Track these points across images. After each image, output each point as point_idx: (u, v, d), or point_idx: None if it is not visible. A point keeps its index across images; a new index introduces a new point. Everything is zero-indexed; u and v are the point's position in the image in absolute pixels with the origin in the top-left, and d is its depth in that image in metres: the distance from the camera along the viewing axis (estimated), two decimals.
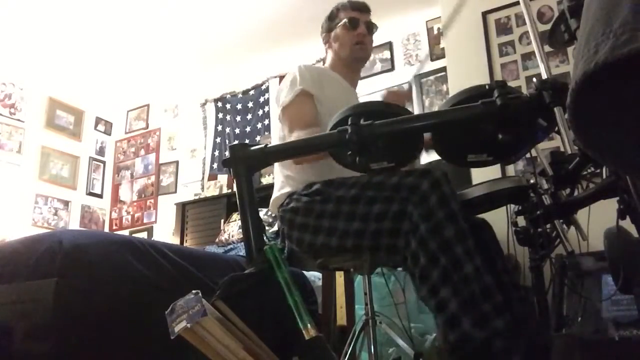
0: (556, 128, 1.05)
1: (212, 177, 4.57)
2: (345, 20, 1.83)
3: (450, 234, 1.15)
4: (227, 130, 4.60)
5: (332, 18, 1.89)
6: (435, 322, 1.17)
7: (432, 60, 3.77)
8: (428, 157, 2.04)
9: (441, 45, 3.65)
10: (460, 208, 1.21)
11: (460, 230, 1.16)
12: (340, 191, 1.40)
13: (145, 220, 4.81)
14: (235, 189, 1.25)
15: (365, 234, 1.31)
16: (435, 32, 3.78)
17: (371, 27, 1.87)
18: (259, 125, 4.42)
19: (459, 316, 1.09)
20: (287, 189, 1.62)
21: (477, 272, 1.11)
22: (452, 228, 1.16)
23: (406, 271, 1.26)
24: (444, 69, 3.49)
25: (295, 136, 1.59)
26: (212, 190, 4.50)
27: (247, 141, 3.91)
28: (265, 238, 1.22)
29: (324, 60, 2.06)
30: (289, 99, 1.66)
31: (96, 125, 5.07)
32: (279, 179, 1.69)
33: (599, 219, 1.32)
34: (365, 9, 1.88)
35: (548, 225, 1.39)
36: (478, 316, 1.08)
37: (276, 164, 1.73)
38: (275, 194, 1.67)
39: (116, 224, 4.95)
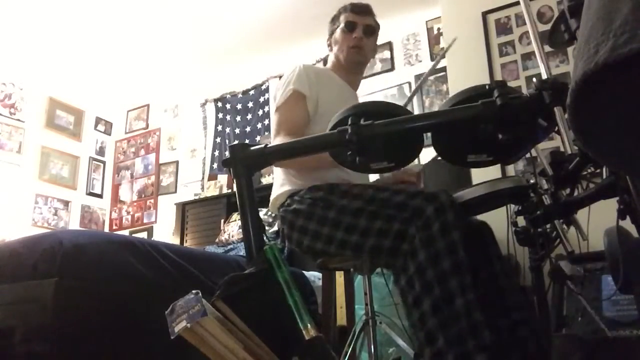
0: (556, 128, 1.05)
1: (212, 177, 4.57)
2: (343, 23, 1.81)
3: (447, 265, 1.15)
4: (227, 130, 4.60)
5: (334, 21, 1.88)
6: (420, 350, 1.17)
7: (432, 60, 3.77)
8: (428, 156, 2.04)
9: (441, 45, 3.66)
10: (462, 237, 1.19)
11: (458, 262, 1.16)
12: (344, 200, 1.40)
13: (145, 220, 4.82)
14: (235, 189, 1.25)
15: (364, 248, 1.32)
16: (435, 32, 3.78)
17: (371, 30, 1.82)
18: (259, 125, 4.42)
19: (445, 353, 1.09)
20: (288, 187, 1.61)
21: (468, 308, 1.11)
22: (450, 260, 1.15)
23: (398, 290, 1.25)
24: (444, 69, 3.49)
25: (278, 141, 1.60)
26: (212, 190, 4.49)
27: (247, 141, 3.91)
28: (265, 238, 1.22)
29: (324, 60, 2.06)
30: (281, 101, 1.68)
31: (96, 125, 5.07)
32: (280, 176, 1.68)
33: (599, 219, 1.32)
34: (365, 12, 1.83)
35: (548, 225, 1.39)
36: (462, 354, 1.07)
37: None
38: (276, 191, 1.66)
39: (116, 224, 4.95)
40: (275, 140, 1.64)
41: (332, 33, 1.87)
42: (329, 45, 1.90)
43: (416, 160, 1.84)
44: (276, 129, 1.67)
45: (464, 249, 1.18)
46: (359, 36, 1.79)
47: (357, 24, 1.80)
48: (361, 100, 1.88)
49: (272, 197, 1.68)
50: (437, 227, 1.19)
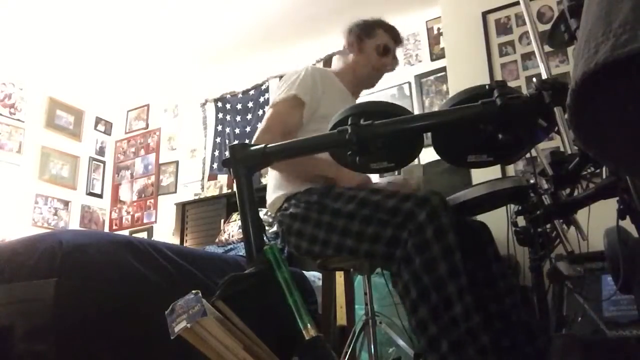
0: (556, 128, 1.05)
1: (212, 177, 4.57)
2: (381, 43, 1.83)
3: (443, 271, 1.14)
4: (227, 130, 4.60)
5: (368, 29, 1.85)
6: (424, 355, 1.17)
7: (432, 60, 3.77)
8: (428, 156, 2.04)
9: (441, 45, 3.66)
10: (456, 239, 1.19)
11: (454, 267, 1.15)
12: (337, 204, 1.40)
13: (145, 220, 4.82)
14: (235, 189, 1.24)
15: (359, 253, 1.32)
16: (435, 32, 3.78)
17: (396, 61, 1.90)
18: (259, 125, 4.42)
19: (448, 358, 1.09)
20: (283, 191, 1.61)
21: (466, 314, 1.11)
22: (446, 265, 1.15)
23: (397, 293, 1.25)
24: (444, 69, 3.49)
25: (264, 137, 1.57)
26: (212, 190, 4.50)
27: (247, 141, 3.90)
28: (265, 238, 1.22)
29: (324, 60, 2.06)
30: (279, 99, 1.66)
31: (96, 125, 5.07)
32: (274, 178, 1.68)
33: (599, 219, 1.32)
34: (400, 43, 1.91)
35: (548, 225, 1.39)
36: (463, 358, 1.08)
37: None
38: (272, 194, 1.66)
39: (116, 224, 4.95)
40: (260, 133, 1.61)
41: (360, 39, 1.84)
42: (351, 45, 1.86)
43: (416, 161, 1.84)
44: (267, 124, 1.64)
45: (460, 251, 1.17)
46: (388, 63, 1.85)
47: (391, 51, 1.86)
48: (361, 100, 1.88)
49: (268, 200, 1.68)
50: (430, 232, 1.18)
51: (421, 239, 1.18)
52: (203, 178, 4.61)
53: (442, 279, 1.14)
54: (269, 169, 1.75)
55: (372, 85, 1.92)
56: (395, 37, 1.87)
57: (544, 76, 1.13)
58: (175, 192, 4.74)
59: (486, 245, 1.46)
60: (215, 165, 4.57)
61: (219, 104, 4.72)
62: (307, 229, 1.44)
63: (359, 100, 1.93)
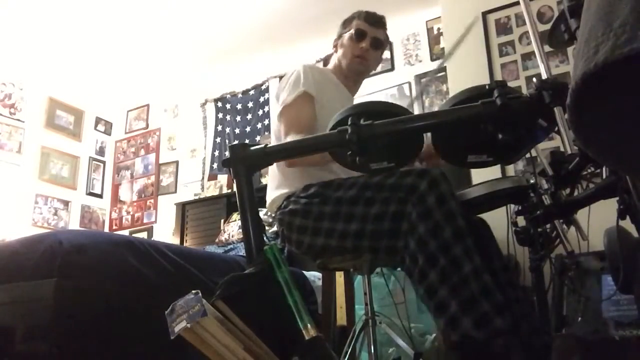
0: (556, 128, 1.05)
1: (212, 177, 4.58)
2: (352, 30, 1.80)
3: (448, 234, 1.16)
4: (227, 130, 4.60)
5: (345, 23, 1.86)
6: (435, 322, 1.17)
7: (432, 60, 3.77)
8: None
9: (441, 45, 3.66)
10: (459, 206, 1.22)
11: (458, 229, 1.17)
12: (339, 192, 1.41)
13: (145, 220, 4.82)
14: (235, 189, 1.24)
15: (364, 235, 1.32)
16: (435, 32, 3.78)
17: (379, 44, 1.83)
18: (259, 125, 4.42)
19: (459, 317, 1.09)
20: (285, 190, 1.61)
21: (476, 272, 1.11)
22: (450, 228, 1.16)
23: (405, 272, 1.26)
24: (444, 69, 3.49)
25: (290, 139, 1.58)
26: (212, 190, 4.50)
27: (247, 141, 3.89)
28: (265, 238, 1.22)
29: (324, 60, 2.05)
30: (290, 99, 1.65)
31: (96, 125, 5.07)
32: (275, 178, 1.68)
33: (599, 219, 1.32)
34: (378, 24, 1.83)
35: (548, 225, 1.39)
36: (478, 316, 1.07)
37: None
38: (272, 194, 1.66)
39: (116, 224, 4.95)
40: (286, 139, 1.60)
41: (340, 35, 1.86)
42: (335, 46, 1.89)
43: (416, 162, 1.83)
44: (286, 128, 1.63)
45: (462, 216, 1.19)
46: (366, 47, 1.79)
47: (367, 34, 1.80)
48: (360, 100, 1.88)
49: (268, 200, 1.68)
50: (432, 200, 1.20)
51: (424, 207, 1.20)
52: (203, 178, 4.61)
53: (447, 242, 1.15)
54: (270, 169, 1.75)
55: (361, 73, 1.88)
56: (369, 20, 1.81)
57: (544, 76, 1.13)
58: (175, 192, 4.74)
59: (487, 241, 1.46)
60: (215, 165, 4.58)
61: (219, 104, 4.72)
62: (309, 222, 1.44)
63: (357, 100, 1.92)
